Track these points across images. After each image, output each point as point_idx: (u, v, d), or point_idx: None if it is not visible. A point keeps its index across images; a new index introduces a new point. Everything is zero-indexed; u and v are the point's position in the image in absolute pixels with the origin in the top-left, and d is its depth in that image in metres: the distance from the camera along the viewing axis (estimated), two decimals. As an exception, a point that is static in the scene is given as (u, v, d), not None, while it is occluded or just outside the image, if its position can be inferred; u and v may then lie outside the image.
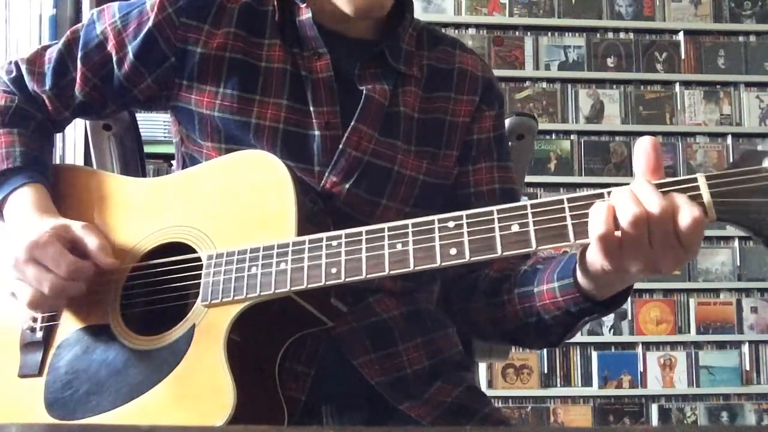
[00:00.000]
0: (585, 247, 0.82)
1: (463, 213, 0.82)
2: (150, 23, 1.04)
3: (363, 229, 0.86)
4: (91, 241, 0.95)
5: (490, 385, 3.24)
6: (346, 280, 0.84)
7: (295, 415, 0.97)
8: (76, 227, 0.96)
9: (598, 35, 3.46)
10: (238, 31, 1.05)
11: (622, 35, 3.47)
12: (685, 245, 0.75)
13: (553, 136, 3.40)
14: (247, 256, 0.89)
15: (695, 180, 0.76)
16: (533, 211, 0.79)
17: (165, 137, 2.71)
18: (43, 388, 0.95)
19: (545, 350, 3.30)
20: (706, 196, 0.75)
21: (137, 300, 0.98)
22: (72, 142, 2.42)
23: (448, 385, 1.06)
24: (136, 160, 1.37)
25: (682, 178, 0.77)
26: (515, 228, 0.79)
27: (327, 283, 0.85)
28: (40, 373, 0.96)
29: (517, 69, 3.39)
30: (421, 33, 1.14)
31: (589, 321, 0.96)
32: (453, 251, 0.81)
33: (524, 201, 0.82)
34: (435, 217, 0.83)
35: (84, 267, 0.93)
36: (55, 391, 0.94)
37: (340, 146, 1.02)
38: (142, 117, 1.34)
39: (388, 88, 1.06)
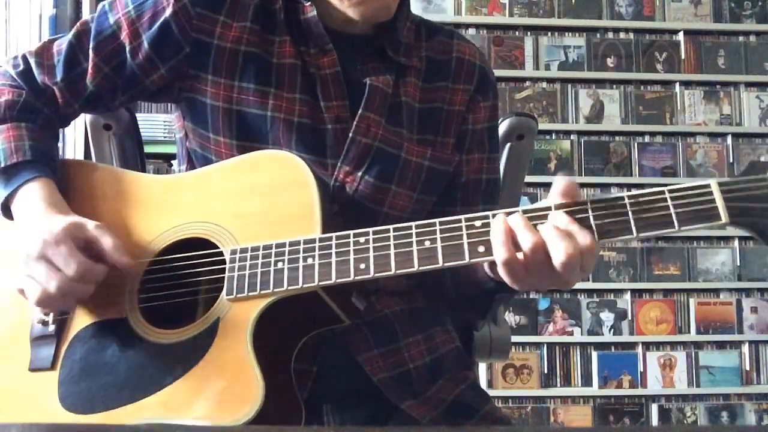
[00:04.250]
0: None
1: (489, 213, 0.85)
2: (166, 13, 1.05)
3: (391, 226, 0.87)
4: (107, 241, 0.94)
5: (490, 385, 3.24)
6: (375, 275, 0.85)
7: None
8: (91, 226, 0.95)
9: (598, 35, 3.46)
10: (254, 26, 1.06)
11: (622, 35, 3.47)
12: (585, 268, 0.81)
13: (553, 136, 3.40)
14: (273, 251, 0.90)
15: (708, 186, 0.80)
16: (556, 211, 0.83)
17: (165, 137, 2.71)
18: (56, 381, 0.94)
19: (545, 350, 3.30)
20: (720, 201, 0.79)
21: (156, 294, 0.98)
22: (72, 142, 2.42)
23: (451, 383, 1.07)
24: (136, 160, 1.38)
25: (694, 184, 0.81)
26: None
27: (356, 278, 0.86)
28: (52, 367, 0.95)
29: (517, 69, 3.39)
30: (419, 26, 1.16)
31: (508, 297, 1.04)
32: (481, 249, 0.83)
33: (547, 202, 0.86)
34: (462, 217, 0.86)
35: (94, 269, 0.93)
36: (70, 385, 0.93)
37: (350, 135, 1.04)
38: (142, 117, 1.34)
39: (390, 78, 1.08)
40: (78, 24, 1.11)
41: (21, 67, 1.10)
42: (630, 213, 0.81)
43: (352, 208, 1.03)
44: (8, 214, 1.01)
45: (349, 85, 1.06)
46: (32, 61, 1.09)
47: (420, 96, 1.11)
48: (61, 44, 1.10)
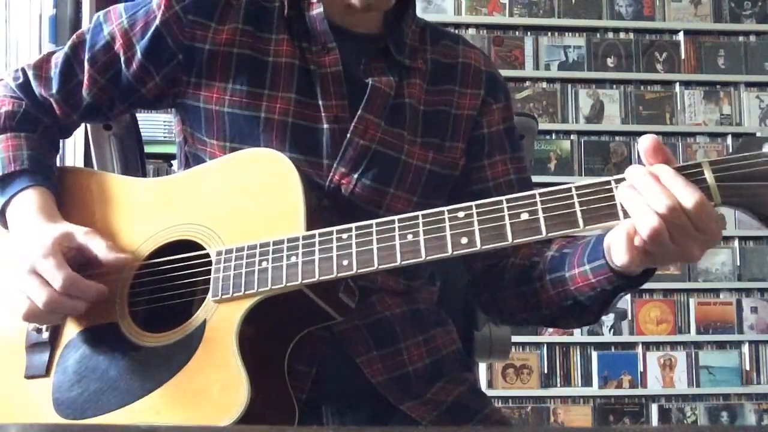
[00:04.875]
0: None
1: (472, 203, 0.83)
2: (157, 21, 1.05)
3: (373, 221, 0.86)
4: (97, 244, 0.95)
5: (490, 385, 3.24)
6: (358, 271, 0.85)
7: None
8: (80, 234, 0.96)
9: (598, 35, 3.46)
10: (246, 27, 1.06)
11: (622, 35, 3.47)
12: (702, 231, 0.77)
13: (553, 136, 3.40)
14: (257, 251, 0.90)
15: (699, 166, 0.78)
16: (542, 199, 0.81)
17: (165, 137, 2.71)
18: (50, 388, 0.94)
19: (545, 350, 3.31)
20: (711, 181, 0.77)
21: (145, 298, 0.98)
22: (72, 142, 2.42)
23: (450, 384, 1.07)
24: (137, 160, 1.37)
25: (686, 164, 0.79)
26: (525, 216, 0.81)
27: (339, 275, 0.85)
28: (47, 374, 0.95)
29: (517, 69, 3.39)
30: (423, 29, 1.16)
31: (626, 294, 0.97)
32: (464, 240, 0.82)
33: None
34: (444, 208, 0.84)
35: (81, 284, 0.92)
36: (63, 391, 0.93)
37: (348, 135, 1.03)
38: (142, 117, 1.34)
39: (393, 79, 1.07)
40: (74, 36, 1.11)
41: (21, 80, 1.11)
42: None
43: (348, 210, 1.01)
44: (5, 223, 1.02)
45: (349, 85, 1.05)
46: (30, 74, 1.10)
47: (425, 98, 1.10)
48: (58, 57, 1.10)
